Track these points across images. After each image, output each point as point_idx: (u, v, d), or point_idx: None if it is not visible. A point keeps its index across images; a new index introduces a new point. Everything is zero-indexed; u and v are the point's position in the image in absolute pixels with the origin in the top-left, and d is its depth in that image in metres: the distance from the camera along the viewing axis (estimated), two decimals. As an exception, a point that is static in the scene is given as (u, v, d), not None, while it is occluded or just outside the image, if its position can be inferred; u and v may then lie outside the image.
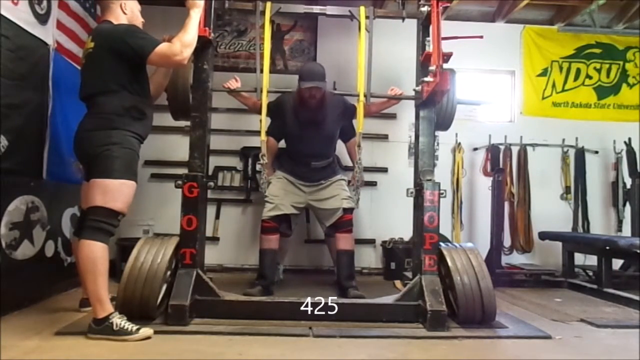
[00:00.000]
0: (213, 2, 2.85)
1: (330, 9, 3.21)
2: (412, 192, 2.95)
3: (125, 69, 2.40)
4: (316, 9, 3.22)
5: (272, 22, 3.15)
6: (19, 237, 2.74)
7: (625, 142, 4.69)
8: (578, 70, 4.90)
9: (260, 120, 3.04)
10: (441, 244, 2.80)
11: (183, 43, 2.37)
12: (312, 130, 3.33)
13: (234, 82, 3.33)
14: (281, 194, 3.35)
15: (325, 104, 3.30)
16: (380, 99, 3.37)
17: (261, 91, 2.98)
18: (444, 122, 3.14)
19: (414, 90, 3.05)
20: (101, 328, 2.22)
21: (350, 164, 3.80)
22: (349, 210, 3.35)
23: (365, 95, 3.01)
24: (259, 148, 3.12)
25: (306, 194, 3.42)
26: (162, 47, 2.36)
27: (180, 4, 2.63)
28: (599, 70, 4.91)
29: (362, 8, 3.12)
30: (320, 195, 3.41)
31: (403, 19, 3.23)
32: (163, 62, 2.44)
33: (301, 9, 3.21)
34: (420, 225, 2.81)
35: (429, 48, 2.77)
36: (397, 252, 4.20)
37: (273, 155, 3.53)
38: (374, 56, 3.11)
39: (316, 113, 3.29)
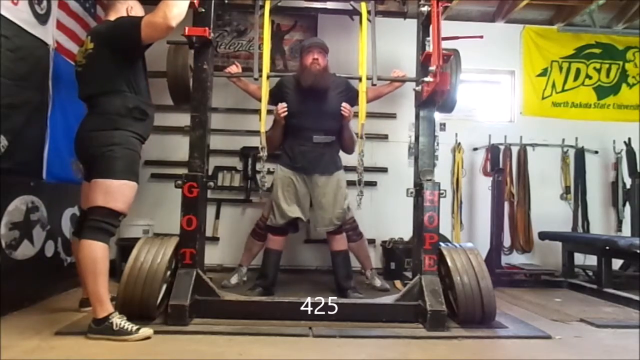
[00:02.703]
0: (213, 1, 2.85)
1: (331, 4, 3.23)
2: (412, 192, 2.95)
3: (126, 67, 2.41)
4: (317, 3, 3.24)
5: (272, 22, 3.16)
6: (19, 237, 2.74)
7: (625, 142, 4.69)
8: (578, 70, 4.90)
9: (260, 117, 3.03)
10: (441, 244, 2.80)
11: (166, 4, 2.29)
12: (314, 105, 3.25)
13: (235, 67, 3.35)
14: (286, 196, 3.29)
15: (327, 78, 3.25)
16: (382, 83, 3.35)
17: (261, 75, 3.01)
18: (446, 103, 3.08)
19: (414, 90, 3.05)
20: (101, 328, 2.22)
21: (350, 164, 3.79)
22: (339, 221, 3.32)
23: (369, 78, 3.02)
24: (258, 148, 3.12)
25: (306, 194, 3.34)
26: (146, 17, 2.34)
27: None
28: (598, 70, 4.91)
29: (363, 4, 3.14)
30: (319, 196, 3.31)
31: (405, 15, 3.24)
32: (152, 31, 2.33)
33: (302, 3, 3.23)
34: (420, 225, 2.81)
35: (429, 48, 2.77)
36: (397, 252, 4.20)
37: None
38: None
39: (318, 88, 3.22)
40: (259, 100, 3.19)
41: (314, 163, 3.30)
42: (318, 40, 3.42)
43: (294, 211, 3.27)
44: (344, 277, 3.29)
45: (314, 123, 3.29)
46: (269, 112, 3.16)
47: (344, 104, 3.23)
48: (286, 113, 3.21)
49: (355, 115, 3.23)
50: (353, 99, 3.30)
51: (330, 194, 3.31)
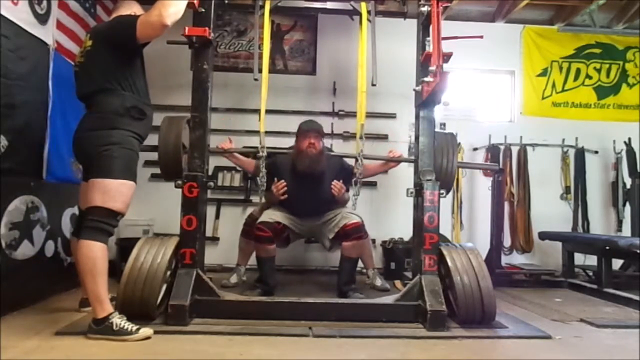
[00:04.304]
0: (213, 1, 2.85)
1: (331, 4, 3.24)
2: (412, 192, 2.95)
3: (124, 65, 2.41)
4: (317, 3, 3.24)
5: (272, 22, 3.16)
6: (19, 237, 2.74)
7: (625, 142, 4.69)
8: (578, 70, 4.90)
9: (260, 117, 3.03)
10: (441, 244, 2.80)
11: (162, 4, 2.29)
12: (309, 191, 3.28)
13: (228, 143, 3.33)
14: (278, 211, 3.36)
15: (324, 162, 3.28)
16: (378, 161, 3.49)
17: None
18: (444, 183, 3.01)
19: (414, 90, 3.05)
20: (101, 328, 2.21)
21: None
22: (354, 217, 3.33)
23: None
24: (258, 148, 3.12)
25: (306, 224, 3.44)
26: (142, 16, 2.35)
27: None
28: (598, 70, 4.92)
29: (363, 4, 3.14)
30: (322, 218, 3.42)
31: (405, 15, 3.23)
32: (147, 29, 2.32)
33: (302, 3, 3.24)
34: (420, 225, 2.81)
35: (429, 48, 2.77)
36: (397, 252, 4.20)
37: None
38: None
39: (314, 173, 3.25)
40: (254, 174, 3.31)
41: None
42: (314, 124, 3.39)
43: (281, 217, 3.31)
44: (345, 282, 3.29)
45: (310, 211, 3.39)
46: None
47: (334, 182, 3.25)
48: (285, 194, 3.24)
49: (354, 116, 3.24)
50: (348, 179, 3.34)
51: (331, 213, 3.41)
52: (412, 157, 3.12)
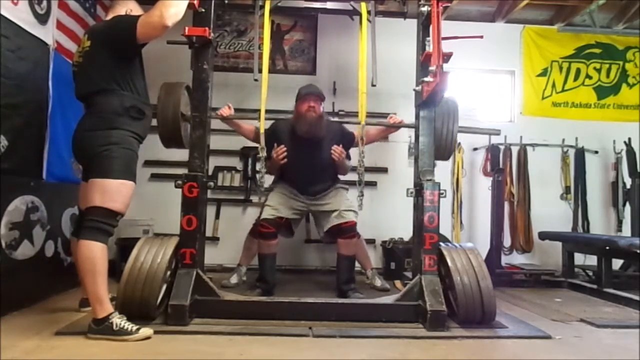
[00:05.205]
0: (213, 1, 2.85)
1: (331, 4, 3.25)
2: (412, 192, 2.95)
3: (123, 65, 2.41)
4: (317, 3, 3.25)
5: (272, 22, 3.16)
6: (19, 237, 2.74)
7: (625, 142, 4.69)
8: (578, 70, 4.90)
9: (260, 117, 3.03)
10: (441, 244, 2.80)
11: (163, 4, 2.29)
12: (309, 156, 3.28)
13: (227, 109, 3.29)
14: (281, 201, 3.36)
15: (323, 126, 3.26)
16: (378, 127, 3.50)
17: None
18: (444, 151, 3.06)
19: (414, 90, 3.05)
20: (101, 328, 2.22)
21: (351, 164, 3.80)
22: (350, 216, 3.33)
23: (367, 123, 3.04)
24: (258, 148, 3.12)
25: (307, 203, 3.44)
26: (142, 16, 2.34)
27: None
28: (598, 70, 4.92)
29: (363, 4, 3.14)
30: (322, 201, 3.42)
31: (405, 15, 3.23)
32: (148, 29, 2.32)
33: (302, 3, 3.26)
34: (420, 225, 2.81)
35: (429, 48, 2.77)
36: (397, 252, 4.20)
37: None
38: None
39: (313, 138, 3.24)
40: (253, 140, 3.33)
41: (313, 192, 3.43)
42: (314, 88, 3.37)
43: (285, 211, 3.33)
44: (345, 281, 3.29)
45: (310, 178, 3.38)
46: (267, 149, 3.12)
47: (334, 147, 3.23)
48: (285, 159, 3.23)
49: (355, 115, 3.24)
50: (348, 144, 3.37)
51: (331, 197, 3.41)
52: (412, 124, 3.10)
